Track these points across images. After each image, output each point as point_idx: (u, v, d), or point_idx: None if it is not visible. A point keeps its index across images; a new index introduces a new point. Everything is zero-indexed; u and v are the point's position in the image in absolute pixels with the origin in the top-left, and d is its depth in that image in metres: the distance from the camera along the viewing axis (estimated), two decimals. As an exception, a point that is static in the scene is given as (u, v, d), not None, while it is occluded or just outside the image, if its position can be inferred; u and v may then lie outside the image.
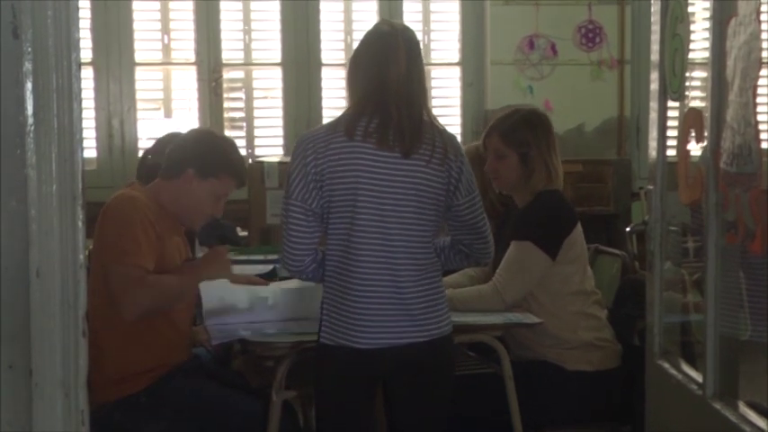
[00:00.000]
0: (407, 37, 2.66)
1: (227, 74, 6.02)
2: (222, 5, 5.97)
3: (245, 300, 3.17)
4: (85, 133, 6.19)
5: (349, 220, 2.59)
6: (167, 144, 3.42)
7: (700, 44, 2.64)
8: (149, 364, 2.97)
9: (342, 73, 6.03)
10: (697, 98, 2.67)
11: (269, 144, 6.05)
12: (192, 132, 3.29)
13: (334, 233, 2.63)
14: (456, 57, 6.22)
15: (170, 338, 3.03)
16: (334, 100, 6.02)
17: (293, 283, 3.39)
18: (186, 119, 5.93)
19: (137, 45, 5.92)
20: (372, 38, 2.67)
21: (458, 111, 6.20)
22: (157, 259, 2.95)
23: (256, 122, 6.08)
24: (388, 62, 2.61)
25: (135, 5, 5.90)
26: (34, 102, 1.36)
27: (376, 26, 2.72)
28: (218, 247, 3.29)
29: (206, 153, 3.08)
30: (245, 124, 6.07)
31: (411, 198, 2.60)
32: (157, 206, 3.04)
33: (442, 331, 2.66)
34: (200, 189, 3.07)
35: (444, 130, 2.70)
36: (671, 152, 2.66)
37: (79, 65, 1.41)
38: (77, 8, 1.41)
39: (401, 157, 2.60)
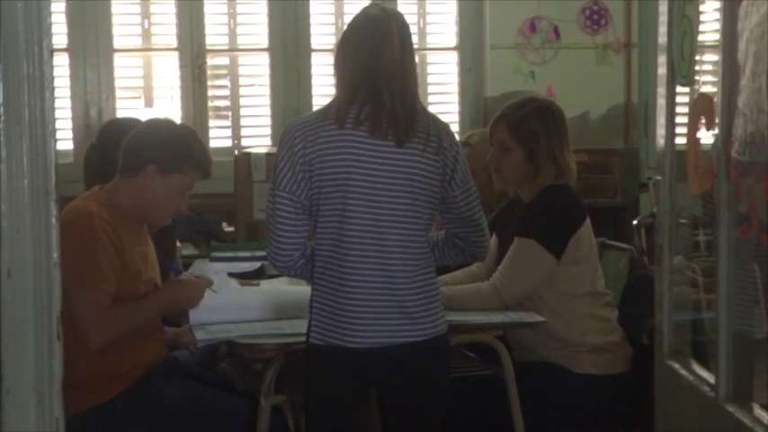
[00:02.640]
0: (399, 21, 2.67)
1: (212, 60, 6.00)
2: (205, -13, 5.96)
3: (232, 299, 3.17)
4: (61, 124, 6.16)
5: (340, 212, 2.59)
6: (113, 135, 3.40)
7: (710, 26, 2.64)
8: (122, 368, 2.97)
9: (332, 59, 6.02)
10: (707, 83, 2.66)
11: (256, 134, 6.03)
12: (150, 124, 3.23)
13: (323, 226, 2.62)
14: (453, 41, 6.20)
15: (141, 339, 3.03)
16: (324, 87, 6.00)
17: (282, 282, 3.39)
18: (168, 108, 5.91)
19: (115, 30, 5.88)
20: (363, 21, 2.67)
21: (455, 98, 6.18)
22: (118, 277, 2.94)
23: (242, 111, 6.06)
24: (381, 47, 2.61)
25: (113, -12, 5.88)
26: (3, 91, 1.35)
27: (365, 9, 2.72)
28: (176, 280, 3.20)
29: (167, 146, 3.04)
30: (230, 113, 6.05)
31: (405, 189, 2.60)
32: (117, 214, 3.01)
33: (438, 330, 2.66)
34: (162, 185, 3.03)
35: (438, 120, 2.71)
36: (680, 140, 2.65)
37: (51, 51, 1.40)
38: (49, -9, 1.41)
39: (394, 146, 2.60)
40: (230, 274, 3.72)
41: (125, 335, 2.95)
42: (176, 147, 3.05)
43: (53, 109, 1.40)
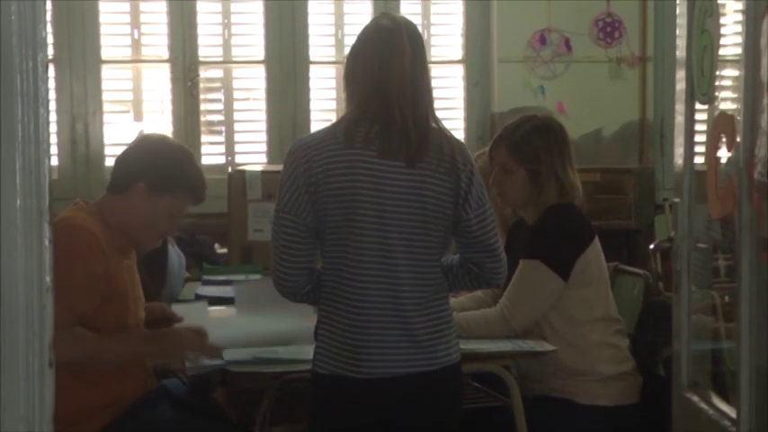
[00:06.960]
0: (411, 32, 2.67)
1: (205, 72, 6.02)
2: (199, -4, 5.98)
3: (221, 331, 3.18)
4: (46, 139, 6.13)
5: (347, 235, 2.60)
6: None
7: (731, 39, 2.65)
8: (108, 399, 2.95)
9: (332, 71, 6.05)
10: (728, 100, 2.67)
11: (251, 151, 6.05)
12: (144, 140, 3.24)
13: (330, 251, 2.63)
14: (459, 54, 6.23)
15: (128, 367, 3.02)
16: (323, 102, 6.03)
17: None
18: (158, 123, 5.93)
19: (103, 40, 5.90)
20: (372, 33, 2.68)
21: (461, 113, 6.21)
22: (103, 294, 2.92)
23: (237, 126, 6.08)
24: (391, 61, 2.62)
25: (101, -4, 5.90)
26: (-4, 107, 1.36)
27: (375, 20, 2.73)
28: (194, 331, 3.07)
29: (159, 166, 3.04)
30: (224, 128, 6.06)
31: (416, 212, 2.61)
32: (105, 227, 3.01)
33: (451, 359, 2.66)
34: (151, 206, 3.03)
35: (452, 137, 2.70)
36: (699, 160, 2.66)
37: (46, 66, 1.41)
38: (44, 3, 1.41)
39: (405, 167, 2.60)
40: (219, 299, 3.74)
41: (78, 364, 2.84)
42: (169, 167, 3.05)
43: (47, 126, 1.41)
